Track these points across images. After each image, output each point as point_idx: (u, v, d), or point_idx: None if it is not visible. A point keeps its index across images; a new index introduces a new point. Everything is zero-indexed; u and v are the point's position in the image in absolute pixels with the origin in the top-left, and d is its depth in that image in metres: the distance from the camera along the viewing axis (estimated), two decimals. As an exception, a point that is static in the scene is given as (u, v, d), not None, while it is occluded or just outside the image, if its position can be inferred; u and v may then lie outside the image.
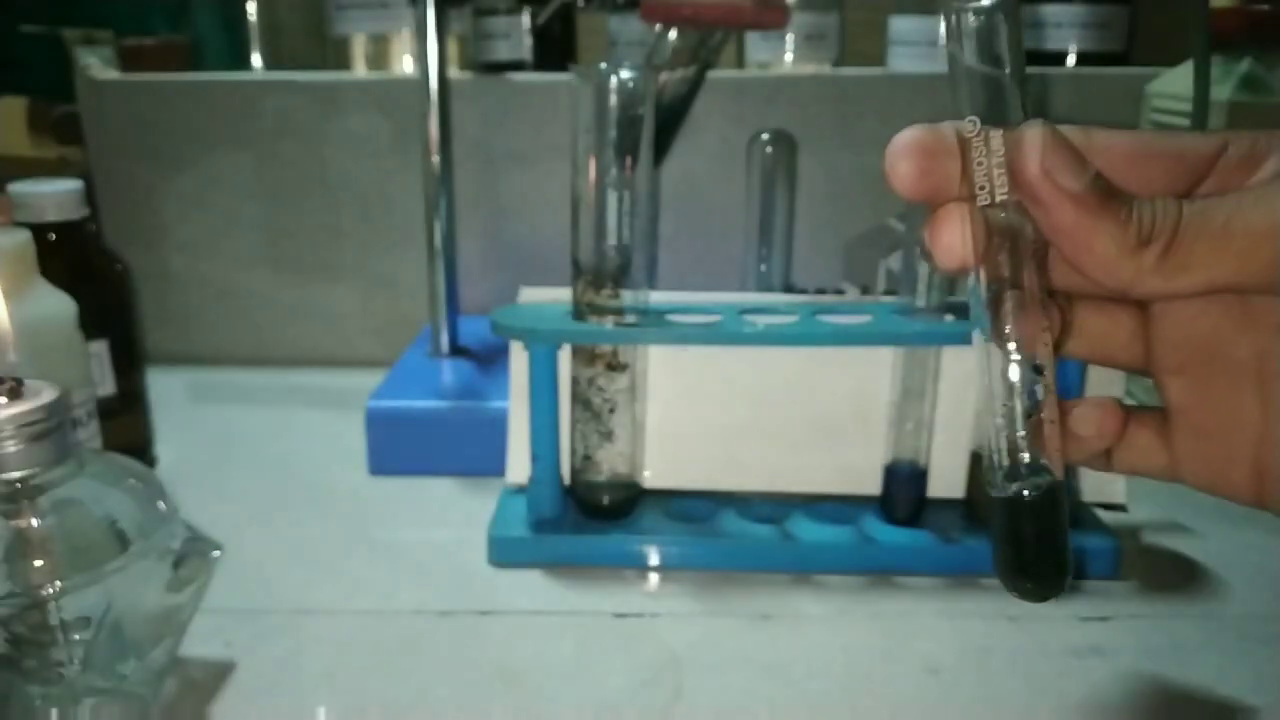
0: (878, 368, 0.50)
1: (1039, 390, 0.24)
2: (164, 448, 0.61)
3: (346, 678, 0.41)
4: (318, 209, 0.77)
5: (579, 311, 0.49)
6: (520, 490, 0.52)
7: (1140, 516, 0.53)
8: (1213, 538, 0.52)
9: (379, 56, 0.79)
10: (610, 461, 0.50)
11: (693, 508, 0.52)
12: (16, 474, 0.34)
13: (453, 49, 0.76)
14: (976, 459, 0.51)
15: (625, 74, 0.46)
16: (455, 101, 0.66)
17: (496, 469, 0.54)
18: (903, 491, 0.50)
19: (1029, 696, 0.41)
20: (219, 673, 0.41)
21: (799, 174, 0.67)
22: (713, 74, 0.68)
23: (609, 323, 0.48)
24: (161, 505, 0.38)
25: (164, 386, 0.63)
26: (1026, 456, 0.24)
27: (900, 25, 0.79)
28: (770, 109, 0.74)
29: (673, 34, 0.62)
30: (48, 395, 0.34)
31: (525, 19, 0.80)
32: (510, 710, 0.40)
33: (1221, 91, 0.58)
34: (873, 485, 0.51)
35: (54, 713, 0.35)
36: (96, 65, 0.77)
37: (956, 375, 0.49)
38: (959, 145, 0.23)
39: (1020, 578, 0.25)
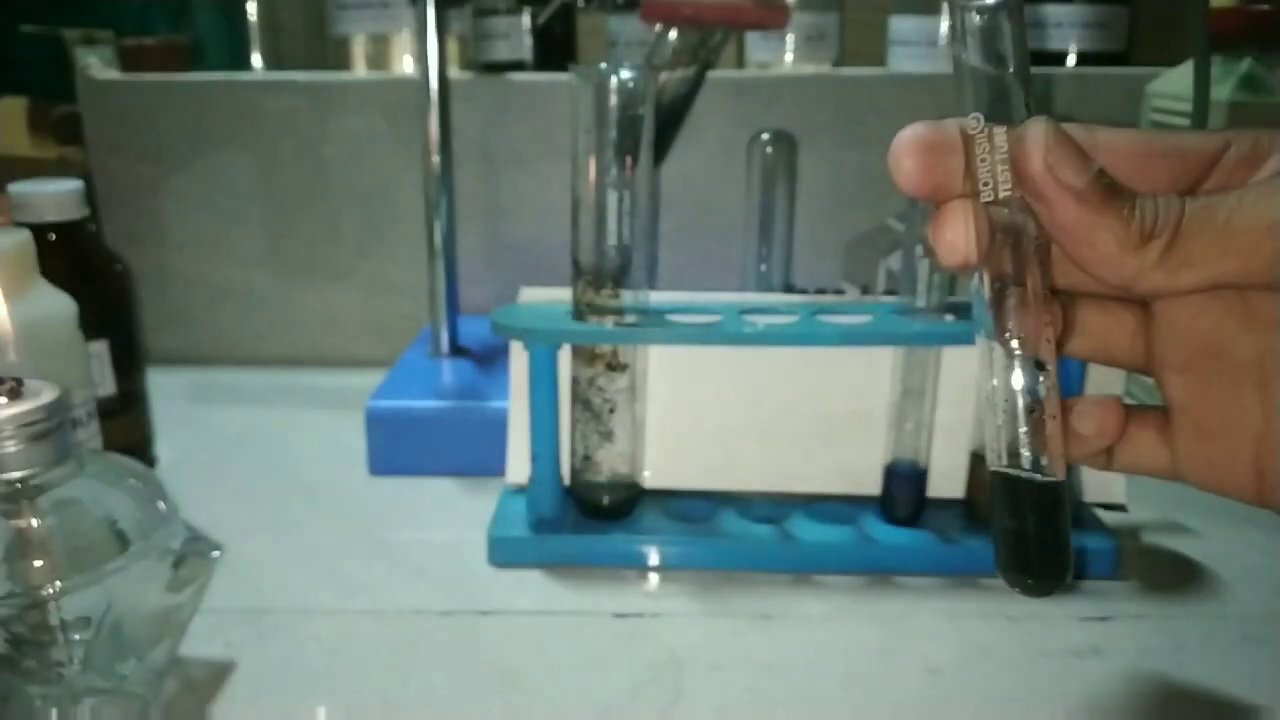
0: (878, 368, 0.50)
1: (1041, 388, 0.24)
2: (164, 448, 0.61)
3: (346, 678, 0.41)
4: (318, 209, 0.77)
5: (579, 311, 0.49)
6: (520, 490, 0.52)
7: (1140, 516, 0.53)
8: (1213, 538, 0.52)
9: (379, 56, 0.79)
10: (610, 461, 0.50)
11: (693, 508, 0.52)
12: (16, 474, 0.34)
13: (453, 49, 0.76)
14: (976, 459, 0.51)
15: (625, 74, 0.46)
16: (455, 101, 0.66)
17: (496, 469, 0.54)
18: (903, 491, 0.50)
19: (1029, 696, 0.41)
20: (219, 673, 0.41)
21: (799, 174, 0.67)
22: (713, 74, 0.68)
23: (609, 323, 0.48)
24: (161, 505, 0.38)
25: (164, 386, 0.63)
26: (1028, 454, 0.24)
27: (900, 25, 0.79)
28: (770, 109, 0.74)
29: (673, 34, 0.62)
30: (48, 395, 0.34)
31: (525, 19, 0.80)
32: (510, 710, 0.40)
33: (1221, 91, 0.58)
34: (873, 485, 0.51)
35: (54, 713, 0.35)
36: (96, 65, 0.77)
37: (956, 375, 0.49)
38: (962, 142, 0.23)
39: (1021, 573, 0.25)
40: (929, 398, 0.49)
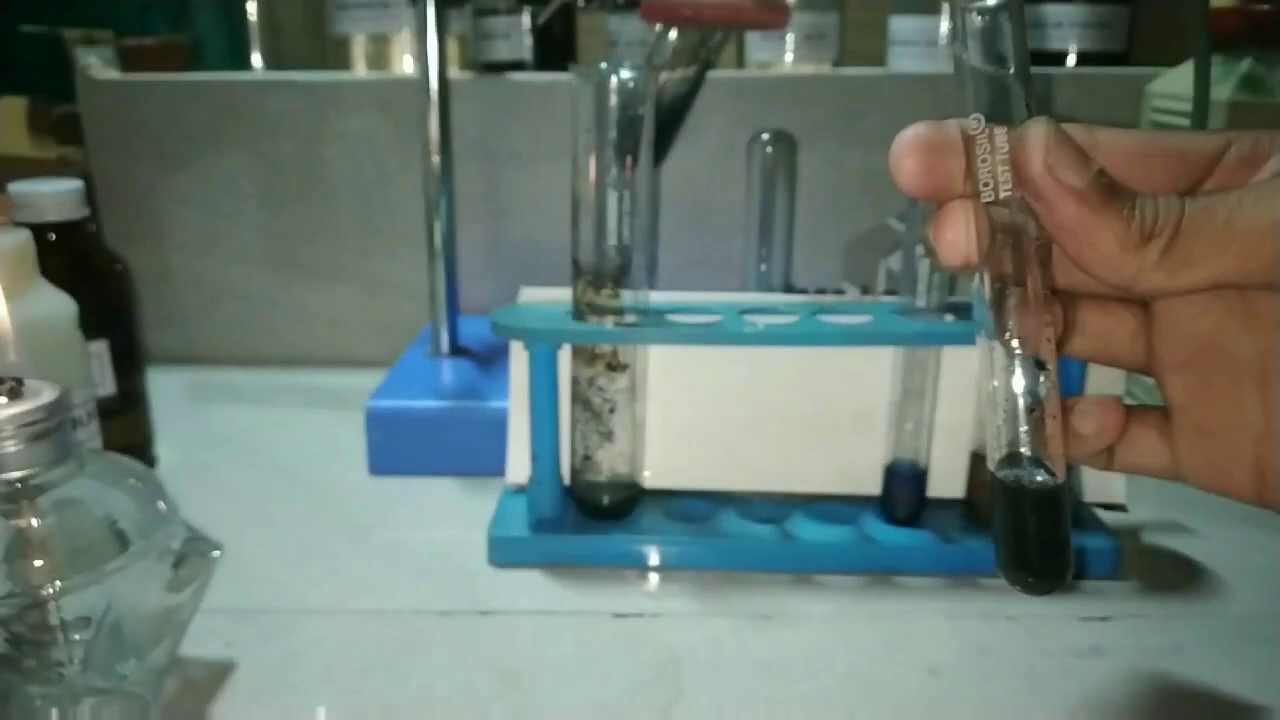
0: (878, 368, 0.50)
1: (1041, 388, 0.24)
2: (164, 448, 0.61)
3: (346, 678, 0.41)
4: (318, 209, 0.77)
5: (579, 311, 0.49)
6: (520, 490, 0.52)
7: (1140, 516, 0.53)
8: (1213, 538, 0.52)
9: (379, 56, 0.79)
10: (610, 461, 0.50)
11: (693, 508, 0.52)
12: (16, 474, 0.34)
13: (453, 49, 0.76)
14: (976, 459, 0.51)
15: (625, 74, 0.46)
16: (455, 101, 0.66)
17: (496, 469, 0.54)
18: (903, 491, 0.50)
19: (1029, 696, 0.41)
20: (219, 673, 0.41)
21: (799, 174, 0.67)
22: (713, 74, 0.68)
23: (609, 323, 0.48)
24: (161, 505, 0.38)
25: (164, 386, 0.63)
26: (1028, 453, 0.24)
27: (900, 25, 0.79)
28: (770, 109, 0.74)
29: (673, 34, 0.62)
30: (48, 395, 0.34)
31: (525, 19, 0.80)
32: (510, 710, 0.40)
33: (1221, 91, 0.58)
34: (873, 485, 0.51)
35: (54, 713, 0.35)
36: (96, 65, 0.77)
37: (956, 375, 0.49)
38: (963, 143, 0.23)
39: (1021, 572, 0.25)
40: (929, 398, 0.49)
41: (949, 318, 0.48)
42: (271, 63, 0.89)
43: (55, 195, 0.54)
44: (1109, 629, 0.45)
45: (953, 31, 0.23)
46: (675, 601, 0.47)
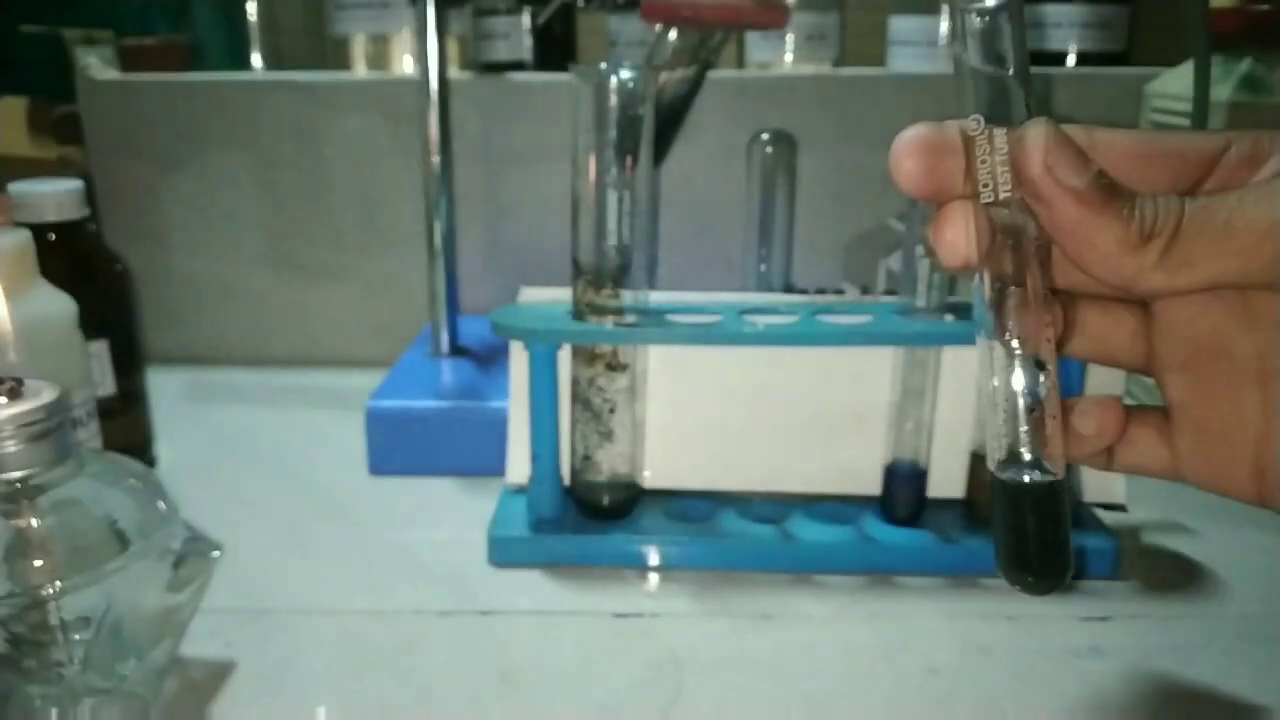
0: (878, 368, 0.50)
1: (1041, 388, 0.24)
2: (164, 448, 0.61)
3: (346, 678, 0.41)
4: (318, 209, 0.77)
5: (579, 311, 0.49)
6: (520, 490, 0.52)
7: (1140, 516, 0.53)
8: (1213, 538, 0.52)
9: (379, 56, 0.79)
10: (610, 461, 0.50)
11: (693, 508, 0.52)
12: (16, 474, 0.34)
13: (453, 49, 0.76)
14: (976, 459, 0.51)
15: (625, 74, 0.46)
16: (455, 101, 0.66)
17: (496, 469, 0.54)
18: (903, 491, 0.50)
19: (1029, 696, 0.41)
20: (219, 673, 0.41)
21: (799, 174, 0.67)
22: (713, 74, 0.68)
23: (609, 323, 0.48)
24: (161, 505, 0.38)
25: (164, 386, 0.63)
26: (1028, 453, 0.24)
27: (900, 25, 0.79)
28: (770, 109, 0.74)
29: (673, 34, 0.62)
30: (48, 395, 0.34)
31: (525, 19, 0.80)
32: (510, 710, 0.40)
33: (1221, 91, 0.58)
34: (873, 485, 0.51)
35: (54, 713, 0.35)
36: (96, 65, 0.77)
37: (956, 375, 0.49)
38: (963, 143, 0.23)
39: (1021, 571, 0.25)
40: (929, 398, 0.49)
41: (949, 318, 0.48)
42: (271, 63, 0.89)
43: (55, 195, 0.54)
44: (1109, 629, 0.45)
45: (952, 32, 0.23)
46: (675, 601, 0.47)
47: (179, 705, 0.40)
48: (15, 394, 0.34)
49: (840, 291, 0.69)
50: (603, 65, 0.46)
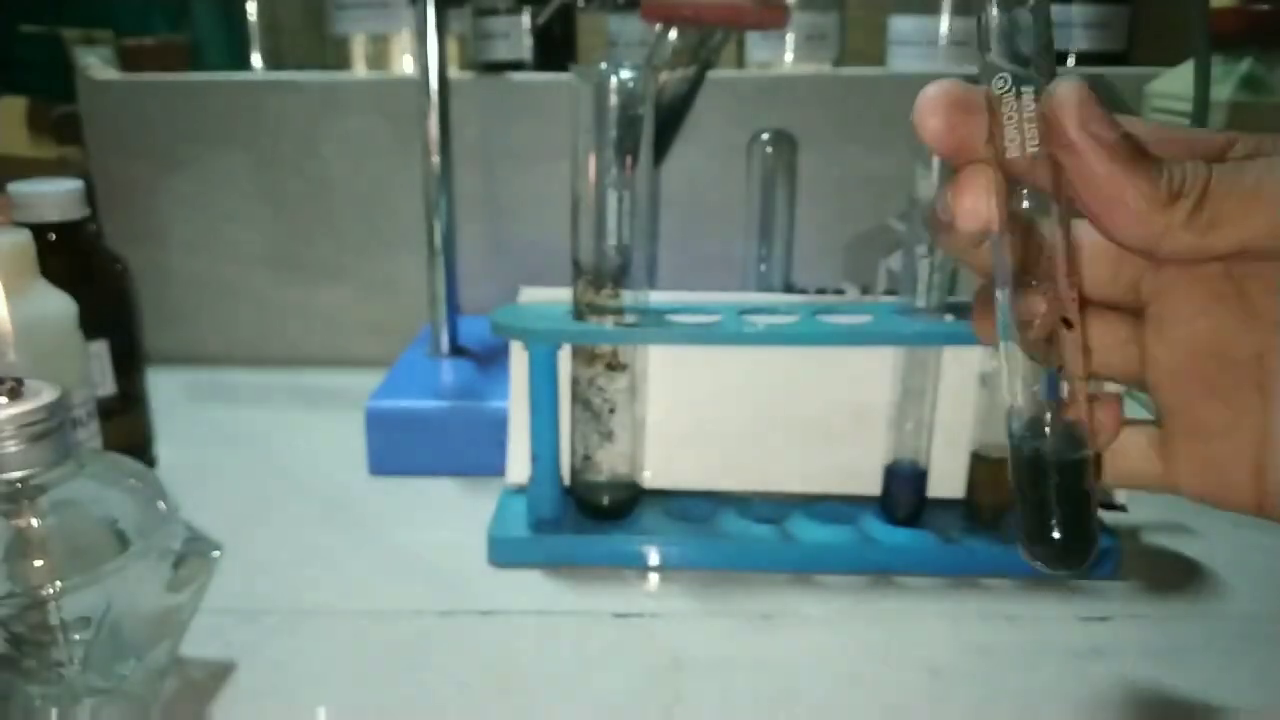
0: (878, 368, 0.50)
1: (1068, 355, 0.24)
2: (164, 448, 0.61)
3: (346, 678, 0.41)
4: (317, 208, 0.77)
5: (579, 311, 0.49)
6: (520, 490, 0.52)
7: (1140, 516, 0.53)
8: (1213, 538, 0.52)
9: (379, 56, 0.79)
10: (610, 461, 0.50)
11: (693, 508, 0.52)
12: (16, 474, 0.34)
13: (453, 49, 0.76)
14: (977, 459, 0.51)
15: (625, 74, 0.46)
16: (455, 101, 0.66)
17: (496, 469, 0.54)
18: (903, 491, 0.50)
19: (1029, 696, 0.41)
20: (219, 673, 0.41)
21: (799, 174, 0.67)
22: (713, 74, 0.68)
23: (609, 323, 0.48)
24: (161, 505, 0.38)
25: (164, 386, 0.63)
26: (1049, 418, 0.24)
27: (900, 25, 0.79)
28: (770, 109, 0.74)
29: (673, 34, 0.62)
30: (48, 395, 0.34)
31: (525, 19, 0.80)
32: (510, 710, 0.40)
33: (1221, 91, 0.58)
34: (873, 485, 0.51)
35: (54, 713, 0.35)
36: (96, 65, 0.77)
37: (956, 375, 0.49)
38: (987, 104, 0.23)
39: (1044, 544, 0.24)
40: (929, 398, 0.49)
41: (949, 318, 0.48)
42: (271, 63, 0.89)
43: (55, 195, 0.54)
44: (1109, 629, 0.45)
45: (978, 30, 0.23)
46: (675, 601, 0.47)
47: (179, 705, 0.40)
48: (15, 394, 0.34)
49: (840, 291, 0.69)
50: (603, 65, 0.46)
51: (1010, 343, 0.24)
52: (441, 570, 0.49)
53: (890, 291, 0.64)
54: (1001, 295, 0.24)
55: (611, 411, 0.50)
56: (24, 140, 0.91)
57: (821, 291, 0.67)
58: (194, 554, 0.38)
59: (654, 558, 0.50)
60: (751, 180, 0.65)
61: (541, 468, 0.50)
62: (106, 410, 0.54)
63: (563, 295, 0.50)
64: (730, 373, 0.52)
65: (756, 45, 0.81)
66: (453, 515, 0.55)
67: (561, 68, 0.78)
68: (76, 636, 0.34)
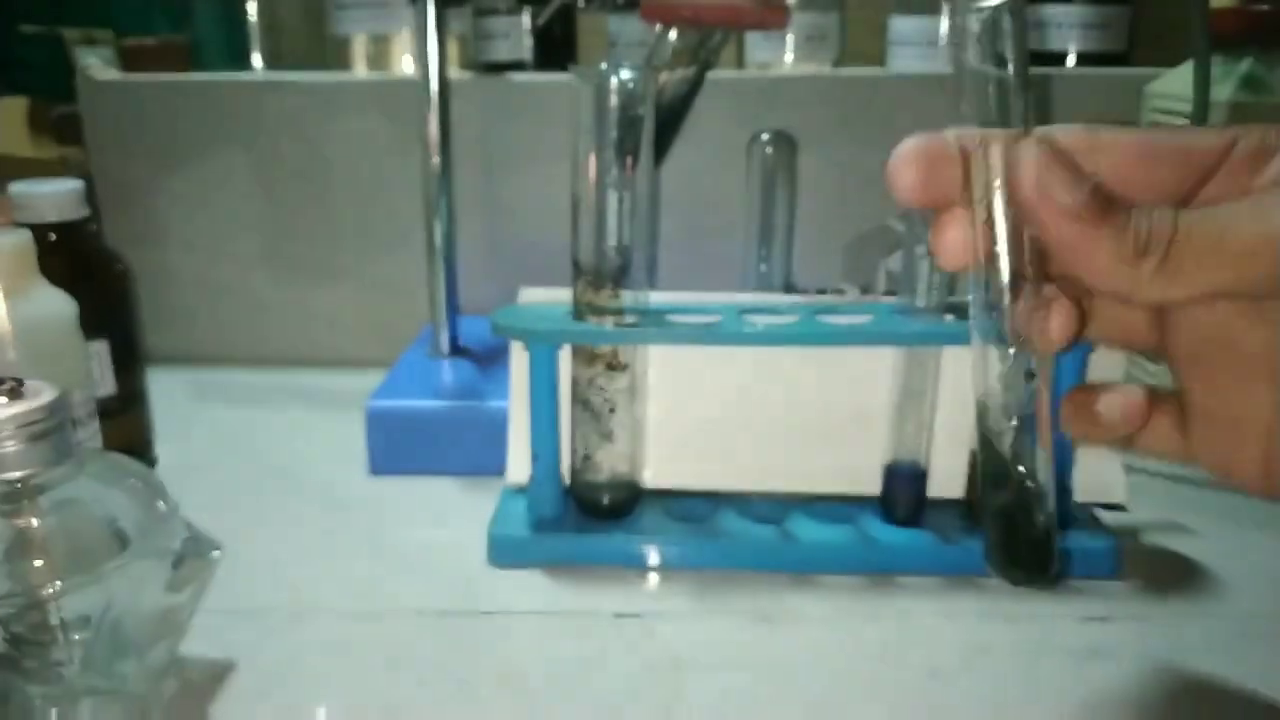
0: (878, 368, 0.50)
1: (1030, 389, 0.24)
2: (164, 448, 0.61)
3: (346, 678, 0.41)
4: (318, 209, 0.77)
5: (579, 312, 0.49)
6: (520, 490, 0.52)
7: (1140, 516, 0.53)
8: (1213, 538, 0.51)
9: (379, 56, 0.79)
10: (610, 461, 0.50)
11: (693, 508, 0.52)
12: (16, 474, 0.34)
13: (453, 49, 0.76)
14: (976, 459, 0.51)
15: (625, 74, 0.46)
16: (455, 101, 0.66)
17: (496, 469, 0.54)
18: (903, 491, 0.50)
19: (1029, 696, 0.41)
20: (219, 673, 0.41)
21: (799, 174, 0.67)
22: (713, 74, 0.68)
23: (609, 323, 0.48)
24: (161, 505, 0.38)
25: (164, 386, 0.63)
26: (1013, 453, 0.25)
27: (900, 25, 0.79)
28: (770, 109, 0.74)
29: (673, 34, 0.62)
30: (48, 395, 0.34)
31: (525, 19, 0.80)
32: (510, 710, 0.40)
33: (1222, 91, 0.58)
34: (873, 485, 0.51)
35: (54, 713, 0.35)
36: (96, 65, 0.77)
37: (956, 375, 0.49)
38: (960, 156, 0.24)
39: (1008, 567, 0.26)
40: (929, 398, 0.49)
41: (949, 318, 0.48)
42: (271, 63, 0.89)
43: (55, 195, 0.54)
44: (1109, 629, 0.45)
45: (953, 33, 0.24)
46: (675, 601, 0.47)
47: (179, 705, 0.40)
48: (15, 394, 0.34)
49: (840, 291, 0.69)
50: (603, 65, 0.46)
51: (983, 379, 0.25)
52: (441, 570, 0.49)
53: (890, 291, 0.64)
54: (979, 330, 0.25)
55: (611, 411, 0.50)
56: (24, 140, 0.91)
57: (821, 291, 0.67)
58: (194, 554, 0.38)
59: (654, 557, 0.50)
60: (751, 180, 0.65)
61: (541, 467, 0.50)
62: (106, 410, 0.54)
63: (563, 296, 0.50)
64: (730, 373, 0.52)
65: (756, 45, 0.81)
66: (453, 515, 0.55)
67: (561, 68, 0.78)
68: (76, 636, 0.34)
